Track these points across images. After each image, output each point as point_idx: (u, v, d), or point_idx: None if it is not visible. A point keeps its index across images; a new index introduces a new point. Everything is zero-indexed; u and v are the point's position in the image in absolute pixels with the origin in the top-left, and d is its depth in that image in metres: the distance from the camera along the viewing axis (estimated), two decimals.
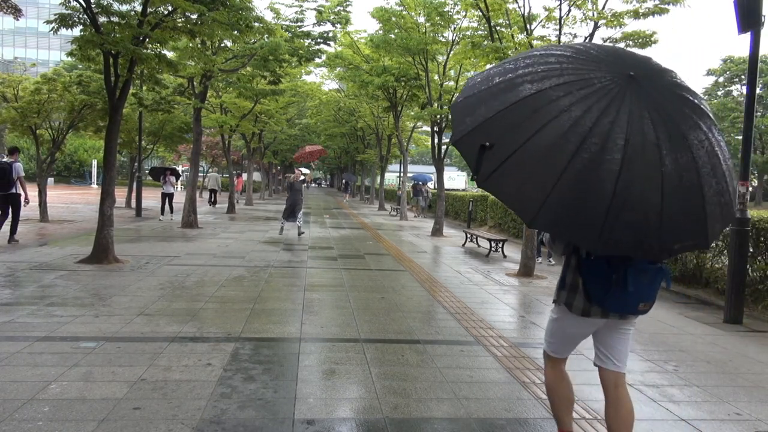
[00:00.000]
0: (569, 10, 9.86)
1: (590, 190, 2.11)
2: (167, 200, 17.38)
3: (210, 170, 35.89)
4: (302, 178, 14.51)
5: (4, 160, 10.43)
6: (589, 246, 2.39)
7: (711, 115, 2.38)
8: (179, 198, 18.89)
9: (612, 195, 2.09)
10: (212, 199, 25.20)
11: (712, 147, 2.27)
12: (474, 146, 2.23)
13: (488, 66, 15.39)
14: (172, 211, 17.42)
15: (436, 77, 17.15)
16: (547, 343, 2.99)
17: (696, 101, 2.36)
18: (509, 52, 10.07)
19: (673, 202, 2.15)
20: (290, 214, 13.93)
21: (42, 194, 14.91)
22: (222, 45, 14.86)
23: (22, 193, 10.42)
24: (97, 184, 46.05)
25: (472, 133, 2.28)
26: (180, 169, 47.15)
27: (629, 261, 2.46)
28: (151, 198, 23.96)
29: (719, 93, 47.65)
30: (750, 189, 6.97)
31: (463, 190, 45.49)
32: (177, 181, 20.88)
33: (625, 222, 2.12)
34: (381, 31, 16.89)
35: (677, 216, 2.17)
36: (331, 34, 16.13)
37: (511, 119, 2.22)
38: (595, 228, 2.13)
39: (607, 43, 9.18)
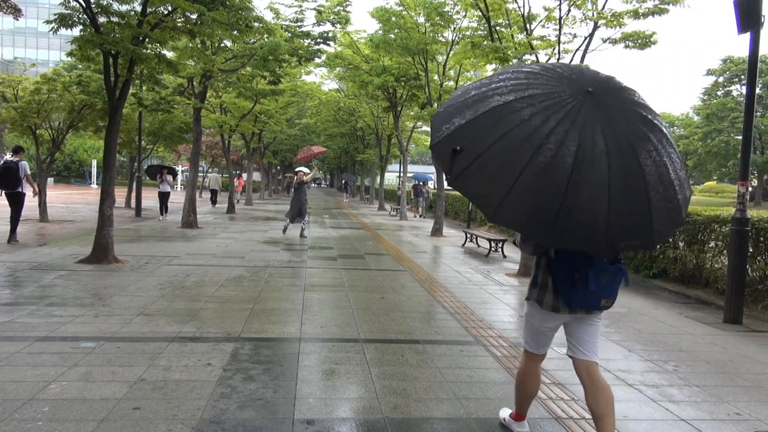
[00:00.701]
0: (569, 10, 9.86)
1: (544, 190, 2.36)
2: (164, 199, 17.21)
3: (209, 170, 35.89)
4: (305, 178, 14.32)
5: (11, 158, 10.58)
6: (544, 240, 2.72)
7: (664, 130, 2.62)
8: (179, 198, 18.88)
9: (563, 194, 2.33)
10: (213, 199, 25.55)
11: (661, 158, 2.50)
12: (447, 150, 2.52)
13: (488, 66, 15.38)
14: (166, 211, 17.20)
15: (435, 77, 17.16)
16: (524, 340, 3.28)
17: (650, 116, 2.60)
18: (509, 52, 10.07)
19: (620, 205, 2.38)
20: (297, 214, 13.70)
21: (42, 194, 14.91)
22: (222, 45, 14.86)
23: (30, 190, 10.71)
24: (96, 184, 46.06)
25: (446, 139, 2.56)
26: (180, 168, 47.23)
27: (591, 261, 2.75)
28: (150, 198, 23.92)
29: (719, 93, 47.60)
30: (750, 189, 6.96)
31: None
32: (174, 179, 20.36)
33: (575, 220, 2.36)
34: (381, 31, 16.89)
35: (623, 217, 2.41)
36: (330, 34, 16.12)
37: (479, 127, 2.51)
38: (548, 224, 2.38)
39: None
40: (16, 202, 10.54)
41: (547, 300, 2.96)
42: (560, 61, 10.07)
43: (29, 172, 10.70)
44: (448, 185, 2.86)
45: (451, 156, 2.51)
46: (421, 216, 24.55)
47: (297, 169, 14.54)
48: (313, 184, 70.70)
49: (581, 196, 2.34)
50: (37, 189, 10.68)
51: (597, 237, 2.40)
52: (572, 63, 9.78)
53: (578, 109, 2.47)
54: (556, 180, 2.34)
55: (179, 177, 46.61)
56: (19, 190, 10.47)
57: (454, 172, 2.51)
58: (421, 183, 26.36)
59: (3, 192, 10.53)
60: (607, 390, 2.99)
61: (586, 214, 2.36)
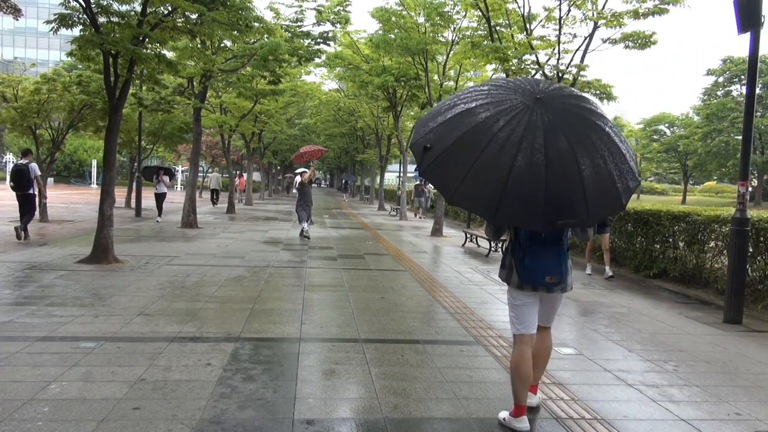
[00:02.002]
0: (569, 10, 9.87)
1: (491, 176, 2.89)
2: (159, 201, 16.87)
3: (209, 170, 35.91)
4: (303, 177, 14.20)
5: (22, 161, 11.05)
6: (489, 217, 3.15)
7: (607, 129, 3.05)
8: (179, 198, 18.85)
9: (506, 181, 2.84)
10: (214, 199, 25.82)
11: (599, 152, 2.95)
12: (420, 148, 3.08)
13: (488, 66, 15.37)
14: (159, 213, 16.78)
15: (435, 77, 17.16)
16: (511, 324, 3.56)
17: (593, 118, 3.05)
18: (509, 52, 10.08)
19: (555, 189, 2.85)
20: (309, 215, 13.58)
21: (41, 194, 14.90)
22: (222, 45, 14.85)
23: (39, 192, 11.25)
24: (96, 184, 46.07)
25: (420, 140, 3.11)
26: (180, 168, 47.21)
27: (531, 243, 3.31)
28: (150, 198, 23.88)
29: (719, 93, 47.51)
30: (750, 189, 6.96)
31: None
32: (171, 180, 19.62)
33: (516, 201, 2.86)
34: (381, 31, 16.89)
35: (559, 199, 2.86)
36: (330, 34, 16.12)
37: (444, 128, 3.06)
38: (492, 202, 2.89)
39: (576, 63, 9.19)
40: (28, 203, 10.95)
41: (513, 279, 3.42)
42: (560, 61, 10.08)
43: (39, 174, 11.17)
44: (419, 175, 3.45)
45: (422, 152, 3.05)
46: (421, 217, 24.24)
47: (299, 171, 14.47)
48: (313, 185, 70.37)
49: (522, 181, 2.84)
50: (45, 193, 11.11)
51: (535, 214, 2.88)
52: (571, 63, 9.80)
53: (526, 112, 2.98)
54: (500, 168, 2.87)
55: (179, 177, 46.64)
56: (31, 191, 10.92)
57: (422, 166, 3.06)
58: (423, 182, 25.96)
59: (15, 193, 11.00)
60: (549, 345, 3.72)
61: (526, 191, 2.85)
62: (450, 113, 3.10)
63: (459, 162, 2.96)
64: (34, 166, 11.02)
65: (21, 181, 10.78)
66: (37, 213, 14.75)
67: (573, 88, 3.34)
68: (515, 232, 3.40)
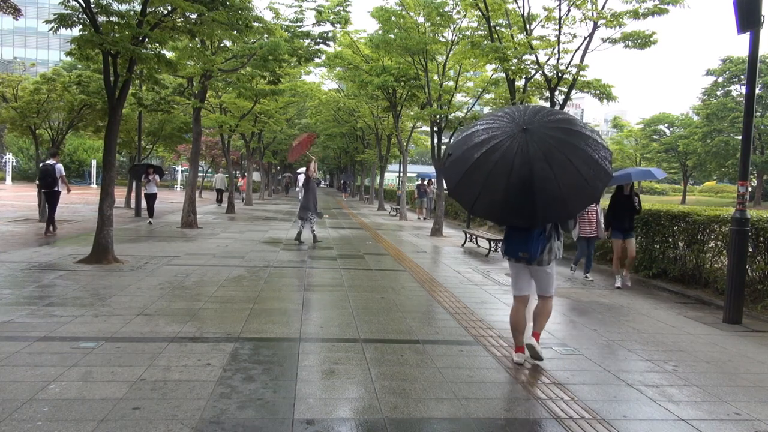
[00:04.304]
0: (569, 10, 9.88)
1: (473, 179, 4.27)
2: (150, 201, 15.73)
3: (210, 171, 35.98)
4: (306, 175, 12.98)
5: (49, 162, 12.29)
6: (494, 221, 5.16)
7: (581, 144, 4.12)
8: (179, 198, 18.79)
9: (482, 183, 4.22)
10: (219, 198, 26.67)
11: (570, 163, 4.05)
12: (446, 156, 4.59)
13: (488, 66, 15.35)
14: (151, 215, 15.81)
15: (435, 77, 17.14)
16: (511, 286, 4.90)
17: (567, 136, 4.15)
18: (508, 52, 10.07)
19: (511, 194, 4.14)
20: (315, 211, 12.62)
21: (40, 195, 14.90)
22: (221, 45, 14.85)
23: (64, 189, 12.34)
24: (96, 184, 46.00)
25: (446, 152, 4.63)
26: (179, 169, 47.15)
27: (511, 228, 4.64)
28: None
29: (719, 93, 47.46)
30: (749, 189, 6.95)
31: None
32: (161, 179, 17.84)
33: (486, 200, 4.29)
34: (381, 31, 16.86)
35: (514, 202, 4.19)
36: (330, 34, 16.09)
37: (461, 141, 4.50)
38: (470, 201, 4.39)
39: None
40: (53, 200, 12.13)
41: (506, 252, 4.72)
42: (560, 61, 10.07)
43: (64, 174, 12.26)
44: (441, 171, 4.86)
45: (446, 158, 4.54)
46: (425, 218, 23.18)
47: (300, 170, 14.29)
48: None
49: (515, 194, 4.12)
50: (70, 188, 11.80)
51: (524, 217, 4.28)
52: (571, 63, 9.80)
53: (516, 143, 4.13)
54: (480, 174, 4.21)
55: (178, 177, 46.60)
56: (56, 189, 12.07)
57: (444, 164, 4.68)
58: (426, 182, 24.03)
59: (42, 191, 12.41)
60: (549, 309, 4.83)
61: (493, 198, 4.23)
62: (466, 130, 4.61)
63: (457, 169, 4.40)
64: (59, 166, 12.15)
65: (47, 179, 11.95)
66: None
67: (556, 112, 4.49)
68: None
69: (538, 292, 4.78)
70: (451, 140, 4.61)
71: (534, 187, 3.99)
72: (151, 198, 15.89)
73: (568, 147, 4.07)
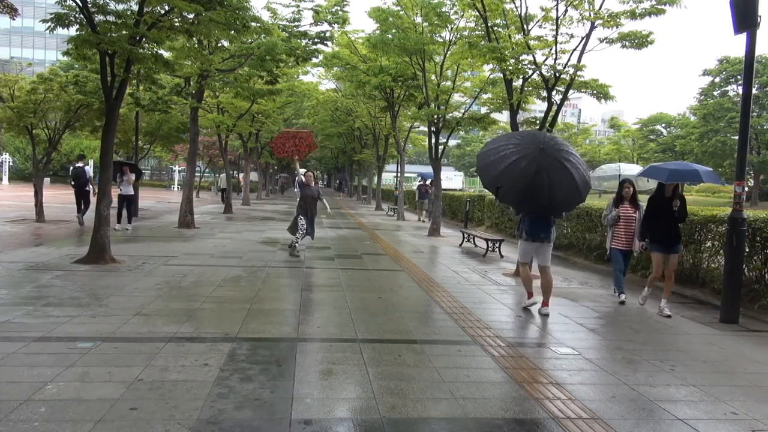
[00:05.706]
0: (566, 11, 9.87)
1: (520, 184, 6.32)
2: (125, 203, 13.34)
3: (207, 170, 35.92)
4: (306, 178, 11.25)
5: (79, 165, 14.46)
6: (523, 211, 6.85)
7: (572, 159, 6.45)
8: (176, 198, 18.73)
9: (528, 185, 6.27)
10: (224, 198, 26.42)
11: (561, 178, 6.31)
12: (494, 188, 6.59)
13: (485, 66, 15.34)
14: (130, 219, 13.51)
15: (433, 77, 17.13)
16: (519, 255, 7.04)
17: (564, 156, 6.41)
18: (506, 52, 10.08)
19: (552, 199, 6.31)
20: (311, 224, 10.56)
21: (38, 194, 14.86)
22: (219, 45, 14.82)
23: (92, 189, 13.96)
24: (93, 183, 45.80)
25: (492, 181, 6.56)
26: (177, 169, 46.98)
27: (530, 217, 6.68)
28: (148, 198, 23.89)
29: (715, 93, 47.59)
30: (746, 189, 6.97)
31: (460, 190, 45.36)
32: (139, 179, 15.33)
33: (532, 201, 6.41)
34: (378, 31, 16.84)
35: (552, 203, 6.40)
36: (328, 34, 16.08)
37: (491, 158, 6.64)
38: (524, 204, 6.68)
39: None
40: (88, 197, 14.10)
41: (523, 235, 6.77)
42: (557, 61, 10.08)
43: (91, 175, 14.36)
44: (500, 202, 7.43)
45: (496, 190, 6.52)
46: (425, 220, 21.82)
47: (301, 171, 13.99)
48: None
49: (535, 194, 6.27)
50: (95, 189, 12.35)
51: (541, 208, 6.52)
52: (568, 63, 9.79)
53: (534, 153, 6.30)
54: (518, 179, 6.27)
55: (176, 177, 46.48)
56: (87, 189, 14.17)
57: (500, 196, 6.67)
58: (427, 183, 21.80)
59: (74, 190, 14.34)
60: (550, 279, 6.73)
61: (537, 200, 6.33)
62: (493, 146, 6.79)
63: (493, 168, 6.47)
64: (88, 168, 14.32)
65: (79, 179, 14.08)
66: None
67: (560, 140, 6.83)
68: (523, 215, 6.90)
69: (540, 263, 6.76)
70: (484, 163, 6.63)
71: (552, 188, 6.18)
72: (126, 200, 13.42)
73: (566, 165, 6.30)
